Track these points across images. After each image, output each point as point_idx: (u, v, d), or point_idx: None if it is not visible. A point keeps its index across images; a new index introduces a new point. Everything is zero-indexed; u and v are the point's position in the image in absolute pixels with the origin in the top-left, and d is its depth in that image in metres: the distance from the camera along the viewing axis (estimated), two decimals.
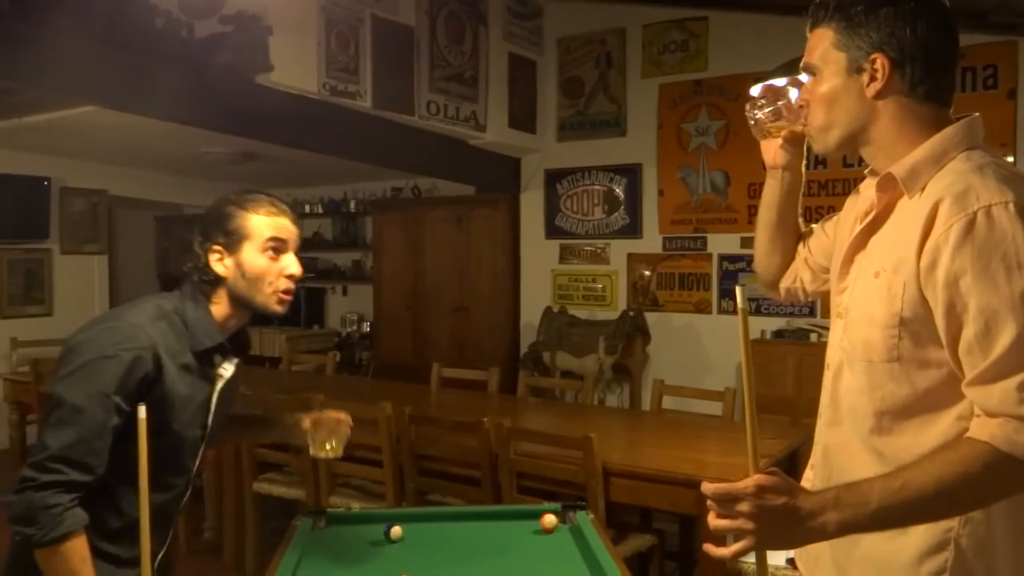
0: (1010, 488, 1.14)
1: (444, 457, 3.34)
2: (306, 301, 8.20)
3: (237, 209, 1.63)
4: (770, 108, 1.50)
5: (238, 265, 1.61)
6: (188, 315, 1.60)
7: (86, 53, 3.70)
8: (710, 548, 1.16)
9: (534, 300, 6.64)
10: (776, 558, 2.81)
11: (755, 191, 5.72)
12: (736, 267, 5.81)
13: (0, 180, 6.34)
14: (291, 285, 1.65)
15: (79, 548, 1.46)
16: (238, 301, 1.64)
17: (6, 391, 5.71)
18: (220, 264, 1.62)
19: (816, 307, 5.50)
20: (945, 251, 1.13)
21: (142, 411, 1.32)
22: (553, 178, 6.63)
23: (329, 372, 5.24)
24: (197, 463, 1.70)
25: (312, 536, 2.05)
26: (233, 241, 1.61)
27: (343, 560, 1.95)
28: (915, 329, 1.19)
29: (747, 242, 5.77)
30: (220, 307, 1.65)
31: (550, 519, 2.12)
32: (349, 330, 8.02)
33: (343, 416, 1.91)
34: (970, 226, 1.12)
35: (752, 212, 5.72)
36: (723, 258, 5.88)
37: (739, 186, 5.80)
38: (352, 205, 8.02)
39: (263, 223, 1.63)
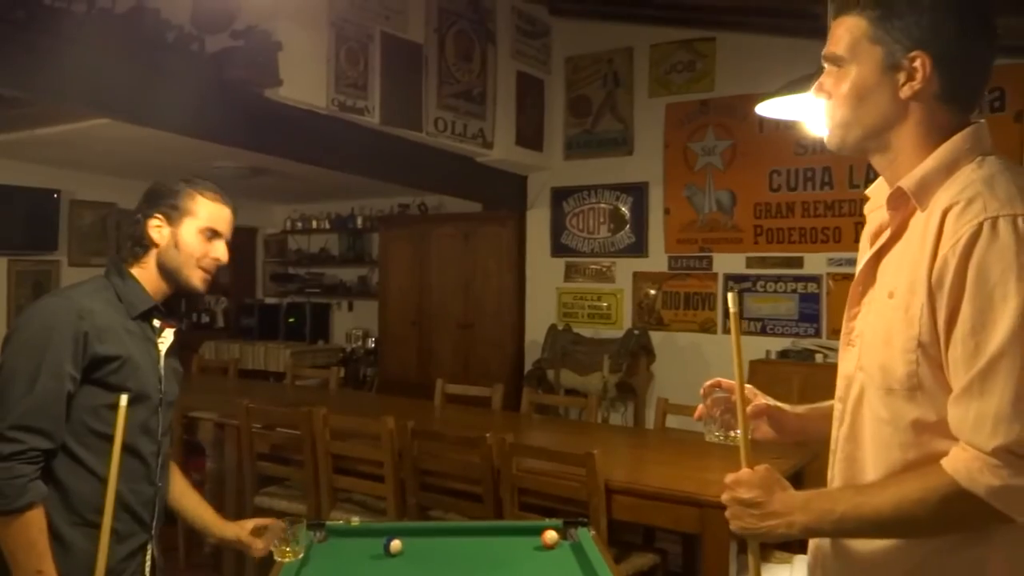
0: (968, 522, 1.11)
1: (446, 472, 3.33)
2: (311, 316, 8.21)
3: (187, 187, 1.76)
4: (721, 432, 1.48)
5: (174, 236, 1.73)
6: (119, 288, 1.71)
7: (98, 65, 3.73)
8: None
9: (539, 318, 6.63)
10: None
11: (761, 211, 5.72)
12: (741, 286, 5.79)
13: (11, 192, 6.39)
14: (214, 267, 1.77)
15: (39, 519, 1.52)
16: (163, 271, 1.74)
17: None
18: (157, 231, 1.73)
19: (822, 328, 5.49)
20: (951, 266, 1.08)
21: (123, 399, 1.45)
22: (559, 196, 6.64)
23: (333, 387, 5.23)
24: (161, 430, 1.75)
25: (311, 549, 2.04)
26: (176, 215, 1.73)
27: (342, 573, 1.94)
28: (933, 353, 1.12)
29: (752, 262, 5.77)
30: (147, 275, 1.74)
31: (551, 535, 2.11)
32: (354, 346, 8.02)
33: (280, 522, 1.93)
34: (974, 239, 1.07)
35: (758, 232, 5.73)
36: (728, 277, 5.86)
37: (745, 205, 5.80)
38: (359, 221, 8.05)
39: (207, 208, 1.76)
